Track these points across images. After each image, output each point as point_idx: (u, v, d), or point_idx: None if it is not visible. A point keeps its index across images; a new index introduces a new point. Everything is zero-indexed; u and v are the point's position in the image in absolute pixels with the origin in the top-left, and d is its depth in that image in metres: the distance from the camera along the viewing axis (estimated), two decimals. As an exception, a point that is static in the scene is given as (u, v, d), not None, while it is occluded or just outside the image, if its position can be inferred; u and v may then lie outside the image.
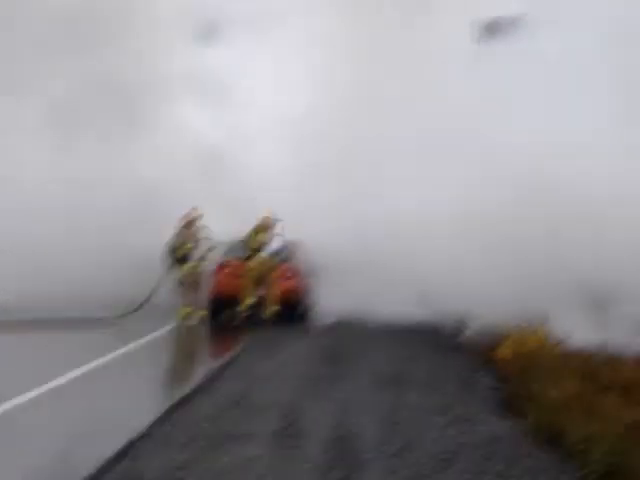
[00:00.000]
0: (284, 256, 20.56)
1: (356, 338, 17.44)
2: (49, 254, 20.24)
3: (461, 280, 18.17)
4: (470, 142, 19.83)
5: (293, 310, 19.80)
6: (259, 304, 19.74)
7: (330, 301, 20.04)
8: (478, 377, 12.91)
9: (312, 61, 22.61)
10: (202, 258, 19.14)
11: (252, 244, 19.66)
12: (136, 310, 19.03)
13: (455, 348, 16.14)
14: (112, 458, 7.98)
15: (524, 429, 9.59)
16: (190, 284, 19.05)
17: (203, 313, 19.29)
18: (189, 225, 19.31)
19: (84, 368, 12.90)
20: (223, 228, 19.88)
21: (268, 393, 11.26)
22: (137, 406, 10.79)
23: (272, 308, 19.51)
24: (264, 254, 19.98)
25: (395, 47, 21.93)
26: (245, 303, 19.40)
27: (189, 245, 19.03)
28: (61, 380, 11.88)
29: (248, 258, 19.87)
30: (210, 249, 19.31)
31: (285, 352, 15.17)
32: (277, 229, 19.83)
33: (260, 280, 19.53)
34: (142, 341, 16.30)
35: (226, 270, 20.13)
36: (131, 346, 15.50)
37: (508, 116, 19.49)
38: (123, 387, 12.23)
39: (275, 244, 19.65)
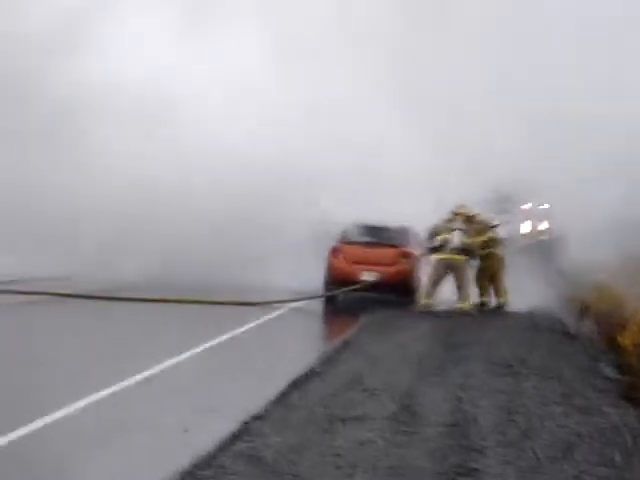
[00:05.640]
0: (401, 239, 20.63)
1: (470, 322, 17.30)
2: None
3: None
4: None
5: (404, 293, 19.86)
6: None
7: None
8: (598, 366, 12.67)
9: None
10: (456, 249, 19.08)
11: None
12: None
13: (574, 335, 15.86)
14: (230, 438, 8.08)
15: (645, 421, 9.37)
16: (445, 273, 19.09)
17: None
18: (454, 217, 19.35)
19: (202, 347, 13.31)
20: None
21: (383, 376, 11.22)
22: (254, 386, 10.92)
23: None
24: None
25: None
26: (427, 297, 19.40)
27: (445, 235, 19.07)
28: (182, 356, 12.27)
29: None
30: (472, 243, 19.30)
31: (401, 335, 15.11)
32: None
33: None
34: (259, 322, 16.56)
35: (341, 253, 20.25)
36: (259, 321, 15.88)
37: None
38: (243, 364, 12.43)
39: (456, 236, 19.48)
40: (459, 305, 18.91)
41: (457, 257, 19.00)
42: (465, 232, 19.20)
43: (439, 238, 19.11)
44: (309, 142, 21.84)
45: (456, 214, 19.44)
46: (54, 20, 23.13)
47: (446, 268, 19.00)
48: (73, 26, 23.32)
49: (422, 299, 19.19)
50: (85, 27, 23.61)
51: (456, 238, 19.03)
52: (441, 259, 19.05)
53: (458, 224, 19.24)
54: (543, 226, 36.80)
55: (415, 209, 20.11)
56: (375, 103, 22.79)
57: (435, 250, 19.25)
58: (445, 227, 19.23)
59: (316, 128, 22.29)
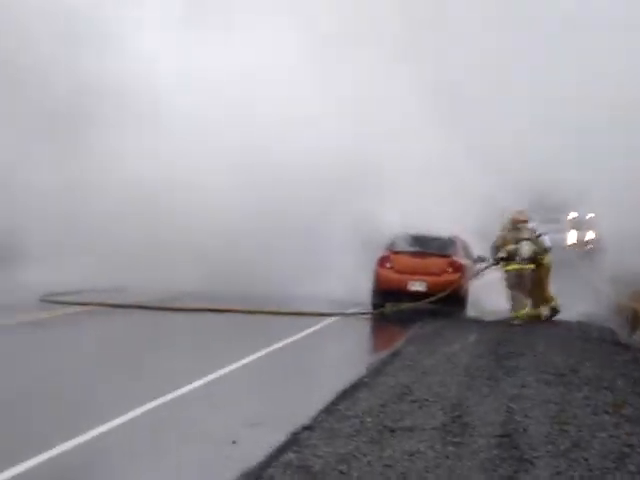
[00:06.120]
0: (449, 249, 20.53)
1: (520, 332, 17.17)
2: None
3: None
4: None
5: (453, 303, 19.72)
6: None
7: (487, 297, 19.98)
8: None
9: None
10: (527, 259, 18.99)
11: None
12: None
13: (625, 345, 15.68)
14: (278, 448, 8.07)
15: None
16: (516, 283, 18.99)
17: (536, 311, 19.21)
18: (515, 226, 19.27)
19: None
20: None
21: (433, 387, 11.16)
22: (303, 397, 10.92)
23: None
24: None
25: None
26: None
27: (513, 246, 18.99)
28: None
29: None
30: (537, 251, 19.22)
31: (450, 345, 15.02)
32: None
33: None
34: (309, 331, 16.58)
35: (389, 262, 20.19)
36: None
37: None
38: (291, 375, 12.47)
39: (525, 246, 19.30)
40: (517, 314, 18.72)
41: (526, 267, 18.88)
42: (532, 241, 19.04)
43: (508, 249, 18.94)
44: (341, 145, 21.86)
45: (519, 222, 19.22)
46: (57, 20, 23.30)
47: (517, 278, 18.85)
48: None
49: (518, 312, 18.83)
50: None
51: (525, 248, 18.88)
52: (512, 270, 18.91)
53: (526, 233, 19.07)
54: (589, 236, 36.47)
55: (455, 214, 20.11)
56: (410, 106, 22.67)
57: (503, 261, 19.08)
58: (512, 237, 19.05)
59: (349, 130, 22.29)
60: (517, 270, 18.83)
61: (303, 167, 21.65)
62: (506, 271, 19.02)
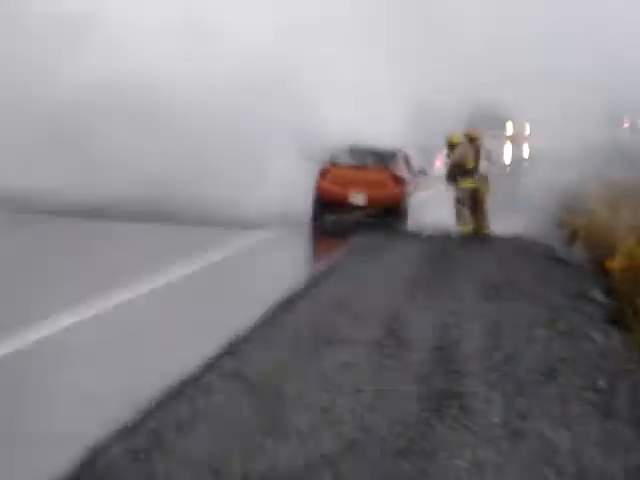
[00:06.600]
0: (390, 162, 20.48)
1: (460, 246, 17.28)
2: None
3: None
4: None
5: (393, 216, 19.76)
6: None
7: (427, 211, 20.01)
8: (585, 290, 12.66)
9: None
10: (484, 176, 18.91)
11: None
12: None
13: (562, 260, 15.85)
14: (214, 357, 8.05)
15: (630, 345, 9.38)
16: (468, 200, 18.91)
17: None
18: (473, 142, 19.06)
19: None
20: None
21: (370, 299, 11.19)
22: (241, 306, 10.91)
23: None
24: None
25: None
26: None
27: (473, 162, 18.82)
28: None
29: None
30: (492, 165, 19.17)
31: (388, 258, 15.07)
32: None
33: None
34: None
35: (330, 175, 20.12)
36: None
37: None
38: (230, 285, 12.46)
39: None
40: (463, 229, 18.83)
41: (484, 184, 18.90)
42: (487, 158, 19.04)
43: (468, 165, 18.88)
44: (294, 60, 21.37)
45: (477, 138, 19.13)
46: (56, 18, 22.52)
47: (470, 195, 18.86)
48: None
49: (464, 227, 18.91)
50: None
51: (483, 165, 18.87)
52: (468, 187, 18.89)
53: (483, 150, 19.03)
54: (525, 150, 36.49)
55: (393, 127, 19.98)
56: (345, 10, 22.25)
57: (459, 177, 19.01)
58: (472, 153, 18.96)
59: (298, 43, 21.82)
60: (473, 188, 18.82)
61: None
62: (461, 188, 18.94)
